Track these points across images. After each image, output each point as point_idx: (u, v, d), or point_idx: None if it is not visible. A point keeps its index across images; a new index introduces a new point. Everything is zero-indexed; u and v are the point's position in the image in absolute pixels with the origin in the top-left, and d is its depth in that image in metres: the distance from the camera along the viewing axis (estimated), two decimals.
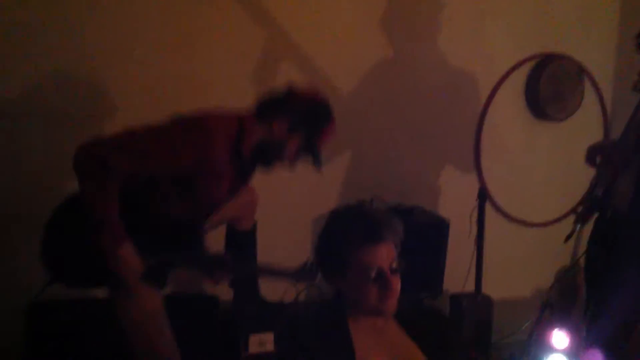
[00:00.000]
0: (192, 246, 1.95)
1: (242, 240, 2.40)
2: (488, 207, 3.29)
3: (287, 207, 2.72)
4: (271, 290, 2.61)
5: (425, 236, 2.90)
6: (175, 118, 1.85)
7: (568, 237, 2.40)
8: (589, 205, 2.32)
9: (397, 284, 1.46)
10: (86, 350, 2.39)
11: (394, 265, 1.47)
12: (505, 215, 3.43)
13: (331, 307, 1.56)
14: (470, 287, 3.11)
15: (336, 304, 1.54)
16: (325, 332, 1.46)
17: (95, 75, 2.58)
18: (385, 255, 1.46)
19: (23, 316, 2.43)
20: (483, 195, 3.00)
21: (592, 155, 2.35)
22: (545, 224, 3.40)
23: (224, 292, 2.62)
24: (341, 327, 1.46)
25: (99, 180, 1.70)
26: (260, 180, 2.54)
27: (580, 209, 2.39)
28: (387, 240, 1.47)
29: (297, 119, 1.97)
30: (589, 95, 3.48)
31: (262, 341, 2.47)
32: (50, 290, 2.45)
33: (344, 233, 1.48)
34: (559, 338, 2.81)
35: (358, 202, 1.61)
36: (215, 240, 2.29)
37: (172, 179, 1.86)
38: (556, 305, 3.09)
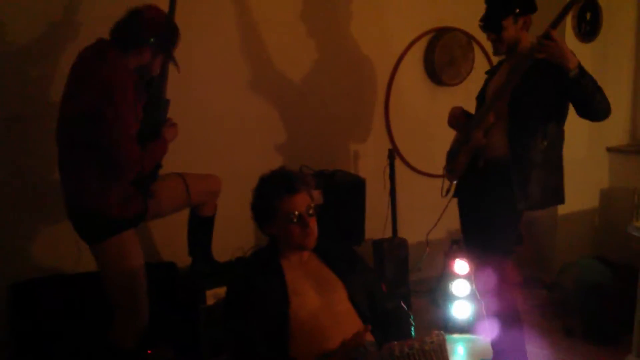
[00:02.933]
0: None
1: (205, 224, 2.83)
2: (400, 162, 3.86)
3: (227, 181, 3.17)
4: (222, 251, 3.08)
5: (346, 194, 3.43)
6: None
7: (447, 192, 2.91)
8: (465, 161, 2.72)
9: (314, 223, 1.96)
10: (66, 324, 2.77)
11: (311, 210, 1.96)
12: (414, 169, 4.00)
13: (265, 250, 2.06)
14: (389, 233, 3.66)
15: (269, 247, 2.04)
16: (262, 268, 1.96)
17: None
18: (301, 202, 1.95)
19: (6, 295, 2.82)
20: (392, 155, 3.53)
21: (454, 124, 2.85)
22: None
23: (181, 259, 3.09)
24: (274, 263, 1.97)
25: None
26: (206, 160, 3.02)
27: (449, 167, 2.85)
28: (302, 191, 1.96)
29: (156, 46, 2.32)
30: (480, 62, 4.05)
31: (217, 294, 2.93)
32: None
33: (270, 189, 1.97)
34: (460, 266, 3.43)
35: (280, 167, 2.11)
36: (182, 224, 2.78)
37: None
38: (461, 241, 3.69)
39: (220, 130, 3.39)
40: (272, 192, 1.96)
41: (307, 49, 3.58)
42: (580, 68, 2.33)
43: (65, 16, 2.92)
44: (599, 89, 2.40)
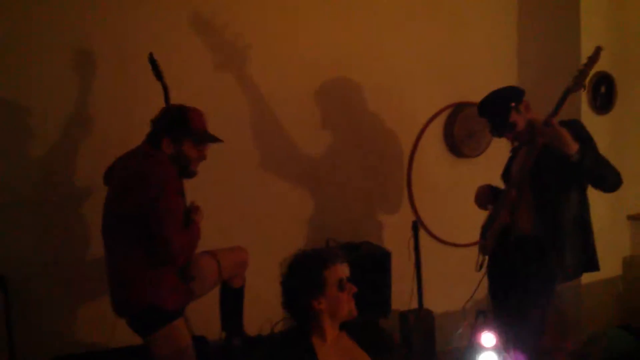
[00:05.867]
0: None
1: (236, 295, 2.94)
2: (424, 234, 3.94)
3: (254, 255, 3.18)
4: (250, 325, 3.12)
5: (372, 265, 3.49)
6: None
7: (481, 267, 2.97)
8: (494, 238, 2.85)
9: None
10: None
11: (347, 277, 2.03)
12: (438, 240, 4.06)
13: (295, 330, 2.09)
14: (415, 304, 3.69)
15: (300, 327, 2.07)
16: (293, 348, 2.01)
17: None
18: (343, 271, 2.03)
19: None
20: (416, 227, 3.62)
21: (482, 202, 2.96)
22: (472, 244, 4.00)
23: (211, 332, 3.16)
24: (306, 343, 2.01)
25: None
26: (233, 235, 3.14)
27: (482, 242, 2.94)
28: (340, 260, 2.04)
29: (167, 131, 2.50)
30: None
31: None
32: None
33: (316, 261, 2.02)
34: (488, 338, 3.42)
35: (299, 250, 2.18)
36: (210, 297, 2.85)
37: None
38: (488, 312, 3.72)
39: (247, 205, 3.52)
40: (319, 262, 2.01)
41: (330, 124, 3.74)
42: (581, 152, 2.43)
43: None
44: (604, 165, 2.52)
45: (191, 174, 2.60)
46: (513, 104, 2.67)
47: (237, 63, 3.43)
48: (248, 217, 3.51)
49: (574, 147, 2.43)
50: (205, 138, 2.58)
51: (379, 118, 3.87)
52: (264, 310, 3.41)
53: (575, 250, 2.68)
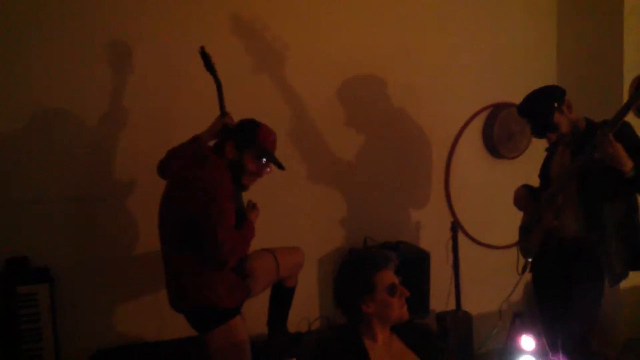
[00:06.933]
0: None
1: (287, 294, 2.96)
2: (461, 235, 3.90)
3: None
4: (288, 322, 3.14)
5: (411, 266, 3.46)
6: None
7: (524, 270, 2.91)
8: (538, 240, 2.81)
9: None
10: None
11: (399, 281, 2.02)
12: (476, 242, 4.03)
13: (347, 330, 2.08)
14: (452, 305, 3.68)
15: (352, 327, 2.06)
16: (346, 349, 1.99)
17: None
18: (393, 274, 2.02)
19: None
20: (455, 228, 3.60)
21: (523, 205, 2.92)
22: (509, 246, 3.98)
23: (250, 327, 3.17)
24: (358, 345, 2.00)
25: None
26: (270, 231, 3.15)
27: (524, 245, 2.90)
28: (392, 264, 2.03)
29: (234, 136, 2.55)
30: None
31: None
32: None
33: (369, 263, 2.01)
34: (527, 342, 3.39)
35: (363, 247, 2.16)
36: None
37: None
38: (524, 314, 3.68)
39: (285, 205, 3.53)
40: (371, 265, 1.99)
41: (365, 124, 3.73)
42: (636, 169, 2.39)
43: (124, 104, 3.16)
44: None
45: (242, 187, 2.62)
46: (556, 104, 2.61)
47: (273, 65, 3.45)
48: (286, 217, 3.52)
49: (628, 165, 2.38)
50: (264, 154, 2.57)
51: (415, 118, 3.85)
52: (301, 308, 3.44)
53: (622, 252, 2.63)
